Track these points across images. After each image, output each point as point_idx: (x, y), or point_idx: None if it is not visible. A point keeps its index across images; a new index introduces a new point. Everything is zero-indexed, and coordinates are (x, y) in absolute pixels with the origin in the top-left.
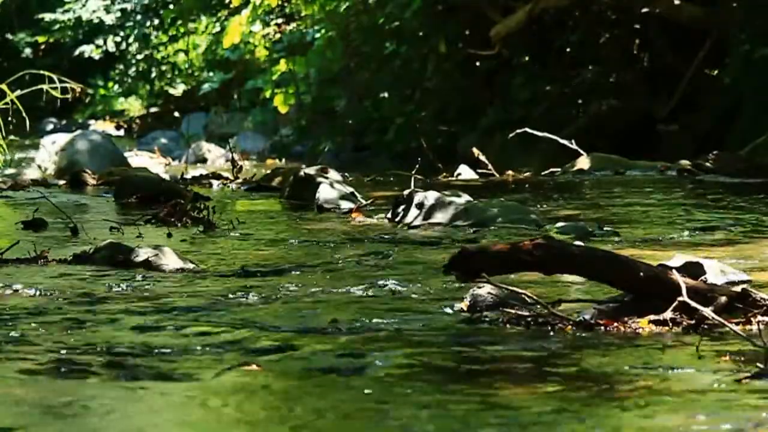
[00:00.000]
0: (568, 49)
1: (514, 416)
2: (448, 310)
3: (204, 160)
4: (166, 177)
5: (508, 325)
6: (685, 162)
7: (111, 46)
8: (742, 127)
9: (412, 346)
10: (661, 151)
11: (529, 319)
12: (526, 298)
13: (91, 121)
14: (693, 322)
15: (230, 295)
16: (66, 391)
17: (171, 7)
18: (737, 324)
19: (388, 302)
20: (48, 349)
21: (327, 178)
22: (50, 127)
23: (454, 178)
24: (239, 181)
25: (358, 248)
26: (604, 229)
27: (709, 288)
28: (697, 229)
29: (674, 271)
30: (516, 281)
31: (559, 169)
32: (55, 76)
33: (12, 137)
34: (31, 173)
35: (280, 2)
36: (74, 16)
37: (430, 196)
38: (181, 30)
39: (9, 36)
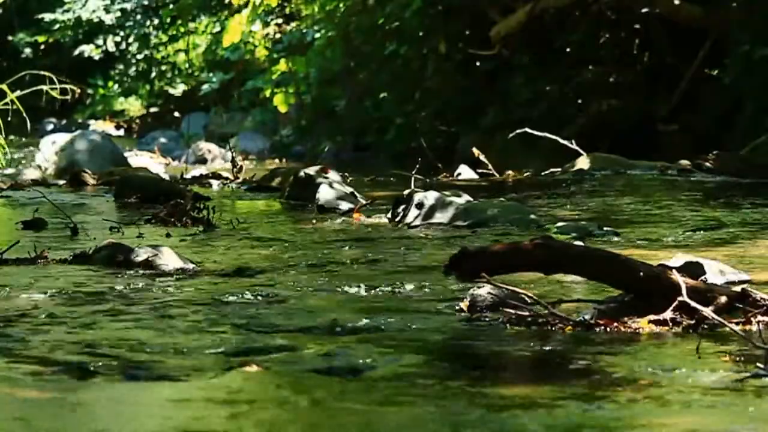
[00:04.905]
0: (568, 49)
1: (514, 416)
2: (448, 310)
3: (204, 160)
4: (166, 177)
5: (508, 325)
6: (685, 162)
7: (111, 46)
8: (742, 127)
9: (412, 346)
10: (661, 151)
11: (529, 319)
12: (526, 298)
13: (91, 121)
14: (693, 322)
15: (230, 295)
16: (66, 391)
17: (171, 6)
18: (737, 324)
19: (388, 302)
20: (48, 349)
21: (327, 178)
22: (50, 127)
23: (454, 178)
24: (239, 181)
25: (358, 248)
26: (604, 229)
27: (709, 288)
28: (697, 229)
29: (674, 271)
30: (516, 281)
31: (559, 169)
32: (54, 77)
33: (12, 137)
34: (31, 173)
35: (280, 2)
36: (74, 16)
37: (430, 196)
38: (181, 30)
39: (9, 36)
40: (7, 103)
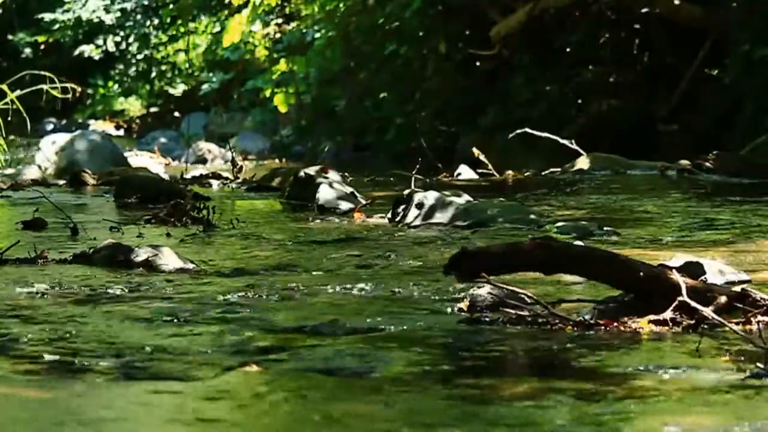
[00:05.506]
0: (568, 49)
1: (514, 416)
2: (448, 310)
3: (204, 160)
4: (166, 177)
5: (508, 325)
6: (685, 162)
7: (111, 46)
8: (742, 127)
9: (412, 346)
10: (661, 151)
11: (529, 319)
12: (526, 298)
13: (91, 121)
14: (693, 322)
15: (230, 295)
16: (66, 391)
17: (171, 6)
18: (737, 324)
19: (388, 302)
20: (47, 349)
21: (327, 178)
22: (50, 127)
23: (454, 178)
24: (239, 181)
25: (358, 248)
26: (604, 229)
27: (708, 288)
28: (697, 229)
29: (674, 271)
30: (516, 281)
31: (559, 169)
32: (54, 77)
33: (12, 137)
34: (31, 173)
35: (280, 2)
36: (74, 16)
37: (430, 196)
38: (181, 30)
39: (9, 36)
40: (7, 103)
